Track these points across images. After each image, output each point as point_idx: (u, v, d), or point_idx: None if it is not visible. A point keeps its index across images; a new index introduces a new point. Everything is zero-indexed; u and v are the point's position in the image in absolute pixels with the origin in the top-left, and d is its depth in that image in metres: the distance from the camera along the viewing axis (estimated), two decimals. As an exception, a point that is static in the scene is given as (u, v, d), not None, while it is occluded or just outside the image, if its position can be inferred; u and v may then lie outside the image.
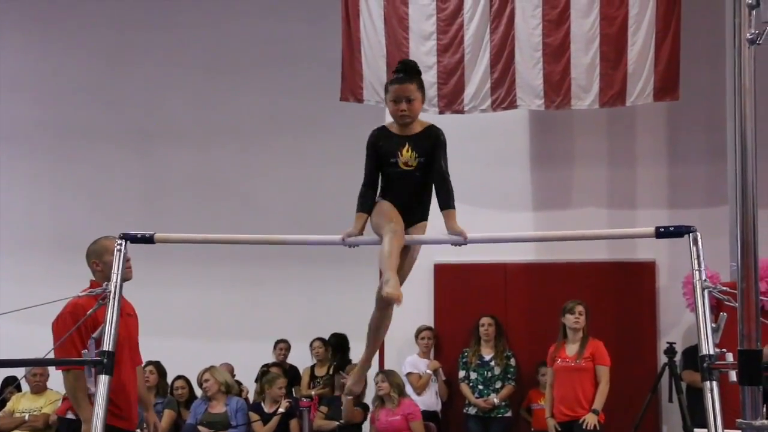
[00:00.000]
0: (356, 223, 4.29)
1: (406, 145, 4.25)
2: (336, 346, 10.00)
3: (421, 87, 4.32)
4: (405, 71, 4.31)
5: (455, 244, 4.24)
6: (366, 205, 4.32)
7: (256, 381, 9.56)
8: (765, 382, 3.16)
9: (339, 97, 8.86)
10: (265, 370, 9.43)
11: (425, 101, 8.34)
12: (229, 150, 11.49)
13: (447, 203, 4.25)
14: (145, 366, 8.40)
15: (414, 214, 4.32)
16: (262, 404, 8.69)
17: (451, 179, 4.28)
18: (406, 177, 4.28)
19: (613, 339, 8.20)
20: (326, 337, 10.09)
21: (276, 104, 11.36)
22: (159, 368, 8.97)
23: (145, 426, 5.72)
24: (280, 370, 9.47)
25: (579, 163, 9.33)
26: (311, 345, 10.04)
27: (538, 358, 8.34)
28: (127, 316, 5.15)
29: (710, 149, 8.93)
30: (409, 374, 8.72)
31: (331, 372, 9.75)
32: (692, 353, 7.79)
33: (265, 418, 8.55)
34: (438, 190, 4.29)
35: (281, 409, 8.55)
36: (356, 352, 9.90)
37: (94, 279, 5.28)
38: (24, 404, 8.56)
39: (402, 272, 4.27)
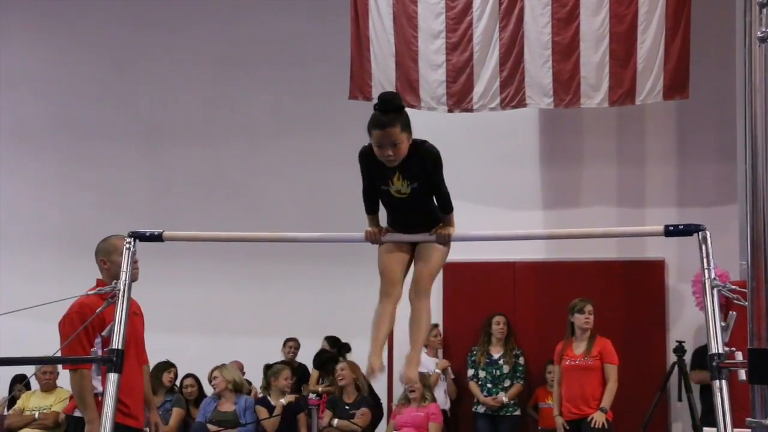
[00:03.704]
0: (371, 224, 4.26)
1: (396, 174, 4.02)
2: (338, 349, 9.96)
3: (405, 126, 3.92)
4: (384, 110, 3.91)
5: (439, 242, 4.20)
6: (372, 207, 4.24)
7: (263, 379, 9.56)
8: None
9: (348, 96, 8.86)
10: (269, 365, 9.42)
11: (435, 100, 8.48)
12: (238, 148, 11.50)
13: (443, 210, 4.18)
14: (164, 368, 8.50)
15: (421, 230, 4.23)
16: (268, 397, 8.70)
17: (448, 193, 4.12)
18: (402, 203, 4.11)
19: (622, 337, 8.19)
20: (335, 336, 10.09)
21: (285, 102, 11.37)
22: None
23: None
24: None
25: (588, 162, 9.31)
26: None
27: (547, 356, 8.32)
28: (133, 315, 5.13)
29: (720, 148, 8.90)
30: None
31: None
32: (702, 353, 7.77)
33: (272, 411, 8.54)
34: (438, 205, 4.18)
35: (284, 400, 8.52)
36: (358, 351, 9.89)
37: (100, 277, 5.28)
38: (34, 402, 8.58)
39: (429, 265, 4.24)
